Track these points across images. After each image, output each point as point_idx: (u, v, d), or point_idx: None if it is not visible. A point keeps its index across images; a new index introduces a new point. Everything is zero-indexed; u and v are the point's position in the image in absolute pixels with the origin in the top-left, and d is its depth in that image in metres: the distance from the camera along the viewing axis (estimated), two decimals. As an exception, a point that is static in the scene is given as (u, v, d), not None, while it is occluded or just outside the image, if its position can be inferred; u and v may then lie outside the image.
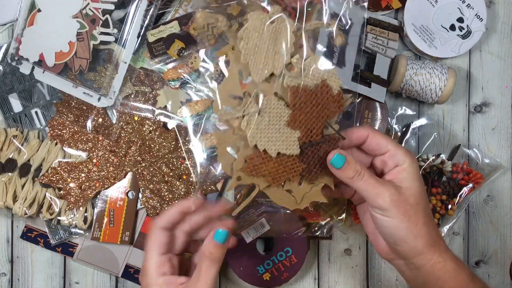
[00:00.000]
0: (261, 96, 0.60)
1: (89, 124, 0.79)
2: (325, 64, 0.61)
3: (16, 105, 0.81)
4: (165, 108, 0.78)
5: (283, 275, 0.78)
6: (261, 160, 0.61)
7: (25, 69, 0.78)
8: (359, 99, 0.79)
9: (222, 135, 0.62)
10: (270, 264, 0.78)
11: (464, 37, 0.78)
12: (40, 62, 0.77)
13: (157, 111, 0.78)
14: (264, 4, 0.77)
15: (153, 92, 0.78)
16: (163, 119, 0.78)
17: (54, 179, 0.78)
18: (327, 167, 0.61)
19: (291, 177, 0.62)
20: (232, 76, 0.61)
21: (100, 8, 0.76)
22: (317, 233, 0.80)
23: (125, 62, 0.77)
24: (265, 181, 0.62)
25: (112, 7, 0.76)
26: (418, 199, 0.58)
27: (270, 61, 0.60)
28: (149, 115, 0.78)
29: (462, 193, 0.80)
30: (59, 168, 0.78)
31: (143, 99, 0.78)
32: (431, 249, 0.58)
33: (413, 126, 0.82)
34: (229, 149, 0.62)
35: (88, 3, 0.76)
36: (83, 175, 0.78)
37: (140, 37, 0.76)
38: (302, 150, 0.61)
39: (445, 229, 0.82)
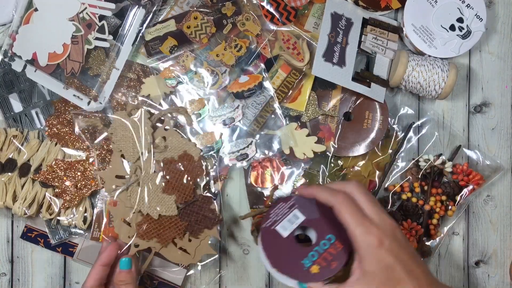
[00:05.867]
0: (139, 171, 0.75)
1: (76, 129, 0.79)
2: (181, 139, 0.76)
3: (16, 105, 0.81)
4: (148, 96, 0.78)
5: (332, 264, 0.67)
6: (148, 224, 0.75)
7: (17, 66, 0.78)
8: (359, 100, 0.79)
9: (116, 210, 0.76)
10: (315, 256, 0.68)
11: (464, 37, 0.78)
12: (33, 61, 0.78)
13: (140, 99, 0.78)
14: (264, 4, 0.78)
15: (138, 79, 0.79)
16: (145, 107, 0.78)
17: (50, 177, 0.78)
18: (206, 221, 0.75)
19: (177, 235, 0.75)
20: (115, 161, 0.76)
21: (97, 14, 0.76)
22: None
23: (118, 69, 0.77)
24: (157, 242, 0.75)
25: (109, 13, 0.76)
26: (385, 266, 0.59)
27: (137, 144, 0.75)
28: (130, 101, 0.78)
29: (463, 194, 0.80)
30: (55, 166, 0.78)
31: (126, 85, 0.78)
32: None
33: (413, 126, 0.82)
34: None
35: (86, 8, 0.76)
36: (79, 173, 0.78)
37: (134, 45, 0.77)
38: (180, 211, 0.75)
39: (445, 229, 0.82)
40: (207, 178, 0.77)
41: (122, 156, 0.76)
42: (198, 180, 0.76)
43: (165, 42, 0.77)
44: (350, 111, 0.80)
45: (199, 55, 0.78)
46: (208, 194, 0.77)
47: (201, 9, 0.77)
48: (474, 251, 0.84)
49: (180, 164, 0.75)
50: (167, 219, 0.75)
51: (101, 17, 0.76)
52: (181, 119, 0.77)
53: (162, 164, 0.75)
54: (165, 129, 0.76)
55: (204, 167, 0.76)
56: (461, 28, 0.78)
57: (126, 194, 0.76)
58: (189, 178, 0.75)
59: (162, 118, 0.76)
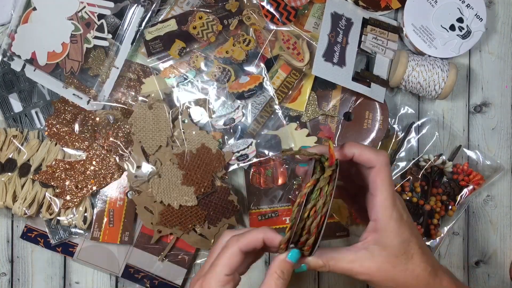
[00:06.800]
0: (158, 163, 0.77)
1: (76, 127, 0.79)
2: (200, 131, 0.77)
3: (16, 105, 0.81)
4: (148, 96, 0.78)
5: None
6: (170, 213, 0.77)
7: (16, 65, 0.78)
8: (359, 100, 0.79)
9: (139, 198, 0.78)
10: None
11: (464, 37, 0.78)
12: (32, 60, 0.78)
13: (140, 98, 0.78)
14: (264, 3, 0.78)
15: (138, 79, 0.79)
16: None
17: (50, 177, 0.78)
18: (224, 211, 0.77)
19: (197, 223, 0.77)
20: (136, 151, 0.77)
21: (96, 12, 0.76)
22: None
23: (117, 68, 0.77)
24: (179, 229, 0.78)
25: (108, 12, 0.76)
26: (403, 240, 0.56)
27: (156, 137, 0.77)
28: (130, 101, 0.78)
29: (463, 194, 0.80)
30: (55, 166, 0.78)
31: (125, 84, 0.78)
32: (436, 279, 0.57)
33: (413, 126, 0.82)
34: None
35: (85, 6, 0.76)
36: (79, 174, 0.78)
37: (133, 43, 0.77)
38: (200, 201, 0.77)
39: (445, 229, 0.82)
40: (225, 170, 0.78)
41: (142, 148, 0.77)
42: (216, 172, 0.77)
43: (174, 45, 0.77)
44: (350, 111, 0.79)
45: (208, 54, 0.78)
46: (226, 185, 0.77)
47: (205, 9, 0.77)
48: (474, 251, 0.84)
49: (198, 156, 0.76)
50: (187, 208, 0.77)
51: (100, 16, 0.76)
52: (200, 111, 0.78)
53: (180, 157, 0.76)
54: (183, 122, 0.77)
55: (222, 160, 0.76)
56: (461, 28, 0.78)
57: (147, 185, 0.77)
58: (207, 170, 0.76)
59: (181, 111, 0.78)
